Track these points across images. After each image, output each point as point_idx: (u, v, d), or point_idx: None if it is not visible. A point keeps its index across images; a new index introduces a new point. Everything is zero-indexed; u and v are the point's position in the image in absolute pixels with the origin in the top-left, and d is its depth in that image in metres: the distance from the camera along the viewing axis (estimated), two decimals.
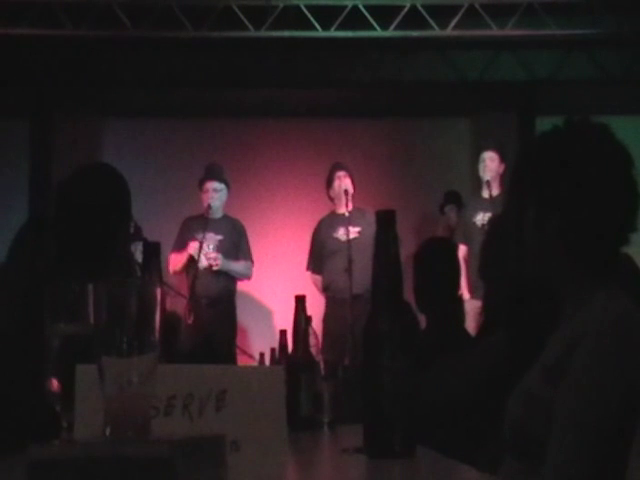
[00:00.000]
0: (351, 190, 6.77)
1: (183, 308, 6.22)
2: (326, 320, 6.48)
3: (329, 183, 6.89)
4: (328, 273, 6.76)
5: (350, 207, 6.72)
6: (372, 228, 6.52)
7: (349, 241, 6.63)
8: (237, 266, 6.75)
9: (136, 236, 5.27)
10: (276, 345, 3.20)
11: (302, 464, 1.73)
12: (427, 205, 7.46)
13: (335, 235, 6.77)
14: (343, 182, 6.81)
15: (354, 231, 6.70)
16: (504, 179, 6.49)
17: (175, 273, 6.60)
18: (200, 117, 7.81)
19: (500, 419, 1.79)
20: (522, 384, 1.77)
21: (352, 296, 6.48)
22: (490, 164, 6.67)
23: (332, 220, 6.84)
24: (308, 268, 6.91)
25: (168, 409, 1.28)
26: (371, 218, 6.59)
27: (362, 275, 6.47)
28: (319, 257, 6.83)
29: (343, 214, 6.77)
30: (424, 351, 3.01)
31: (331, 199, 6.92)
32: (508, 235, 2.15)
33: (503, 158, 6.63)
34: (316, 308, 6.28)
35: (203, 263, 6.52)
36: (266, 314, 7.49)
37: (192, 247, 6.54)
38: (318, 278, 6.82)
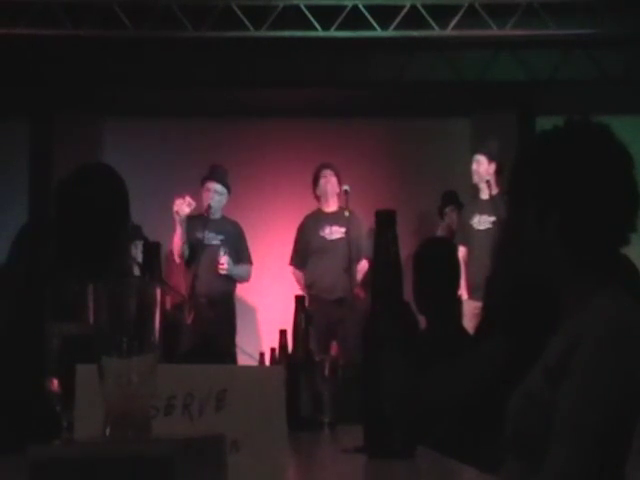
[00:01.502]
0: (336, 189, 6.84)
1: (179, 307, 6.23)
2: None
3: (315, 182, 6.96)
4: (311, 271, 6.82)
5: (341, 205, 6.80)
6: (358, 230, 6.52)
7: (334, 241, 6.72)
8: (240, 270, 6.79)
9: (136, 235, 5.28)
10: (276, 345, 3.20)
11: (302, 464, 1.73)
12: (426, 205, 7.47)
13: (321, 234, 6.83)
14: (330, 181, 6.87)
15: (340, 231, 6.75)
16: (500, 179, 6.51)
17: (179, 255, 6.62)
18: (200, 117, 7.81)
19: (500, 419, 1.79)
20: (523, 384, 1.77)
21: (339, 299, 6.57)
22: (477, 168, 6.72)
23: (318, 218, 6.90)
24: (291, 263, 6.97)
25: (168, 409, 1.28)
26: (356, 220, 6.69)
27: (344, 278, 6.55)
28: (303, 253, 6.89)
29: (330, 212, 6.83)
30: (424, 351, 3.01)
31: (317, 197, 6.98)
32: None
33: (492, 157, 6.65)
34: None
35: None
36: (266, 314, 7.49)
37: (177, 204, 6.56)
38: (300, 274, 6.92)
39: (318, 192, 6.96)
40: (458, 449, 1.99)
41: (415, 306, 3.47)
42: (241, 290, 7.04)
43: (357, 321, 6.37)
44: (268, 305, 7.50)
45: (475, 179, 6.75)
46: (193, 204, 6.57)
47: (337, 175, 6.91)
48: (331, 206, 6.91)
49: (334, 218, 6.83)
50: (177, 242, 6.60)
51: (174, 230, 6.61)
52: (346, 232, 6.72)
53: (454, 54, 7.59)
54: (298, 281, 6.88)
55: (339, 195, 6.90)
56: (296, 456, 1.77)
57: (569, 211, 1.73)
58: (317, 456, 2.07)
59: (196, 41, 7.24)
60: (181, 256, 6.62)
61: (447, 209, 7.21)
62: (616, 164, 1.76)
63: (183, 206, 6.53)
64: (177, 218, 6.57)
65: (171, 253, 6.64)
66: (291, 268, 6.99)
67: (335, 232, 6.78)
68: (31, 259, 2.65)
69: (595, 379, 1.62)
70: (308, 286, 6.74)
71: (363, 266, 6.75)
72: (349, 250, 6.63)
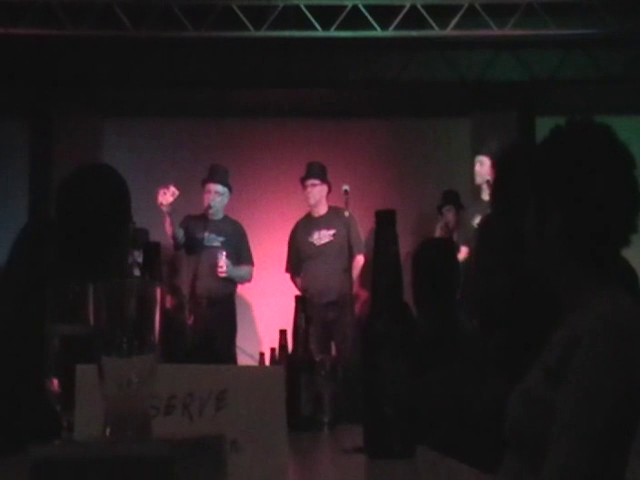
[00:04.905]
0: (323, 194, 6.86)
1: (179, 307, 6.24)
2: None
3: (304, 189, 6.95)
4: (305, 277, 6.83)
5: (330, 206, 6.84)
6: (348, 228, 6.51)
7: (324, 245, 6.76)
8: (240, 272, 6.78)
9: (142, 239, 5.27)
10: (276, 345, 3.20)
11: (302, 464, 1.73)
12: (426, 205, 7.46)
13: (310, 240, 6.84)
14: (312, 191, 6.87)
15: (328, 234, 6.76)
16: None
17: (173, 239, 6.57)
18: (200, 117, 7.81)
19: (500, 419, 1.79)
20: (522, 384, 1.77)
21: (333, 301, 6.57)
22: (479, 169, 6.71)
23: (307, 223, 6.91)
24: (287, 270, 7.01)
25: (168, 409, 1.28)
26: (347, 218, 6.68)
27: (336, 281, 6.56)
28: (296, 260, 6.92)
29: (319, 217, 6.85)
30: (423, 351, 3.01)
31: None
32: (501, 236, 2.14)
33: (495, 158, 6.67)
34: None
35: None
36: (266, 314, 7.49)
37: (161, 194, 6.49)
38: (297, 280, 6.96)
39: (307, 200, 6.96)
40: (458, 449, 1.99)
41: (415, 306, 3.46)
42: (241, 290, 7.05)
43: (352, 322, 6.42)
44: (268, 305, 7.50)
45: (478, 180, 6.75)
46: (177, 193, 6.46)
47: (321, 178, 6.88)
48: (320, 210, 6.91)
49: (323, 221, 6.84)
50: (168, 229, 6.56)
51: (163, 221, 6.57)
52: (335, 234, 6.74)
53: (454, 54, 7.59)
54: (296, 286, 6.90)
55: (327, 196, 6.90)
56: (296, 456, 1.76)
57: (570, 211, 1.73)
58: (317, 456, 2.07)
59: (196, 41, 7.24)
60: (175, 239, 6.56)
61: (445, 208, 7.22)
62: (617, 164, 1.76)
63: (166, 196, 6.45)
64: (164, 209, 6.50)
65: (169, 250, 6.60)
66: (288, 275, 7.00)
67: (324, 236, 6.80)
68: (31, 259, 2.65)
69: (595, 379, 1.62)
70: (303, 291, 6.74)
71: (358, 262, 6.76)
72: (341, 251, 6.65)
